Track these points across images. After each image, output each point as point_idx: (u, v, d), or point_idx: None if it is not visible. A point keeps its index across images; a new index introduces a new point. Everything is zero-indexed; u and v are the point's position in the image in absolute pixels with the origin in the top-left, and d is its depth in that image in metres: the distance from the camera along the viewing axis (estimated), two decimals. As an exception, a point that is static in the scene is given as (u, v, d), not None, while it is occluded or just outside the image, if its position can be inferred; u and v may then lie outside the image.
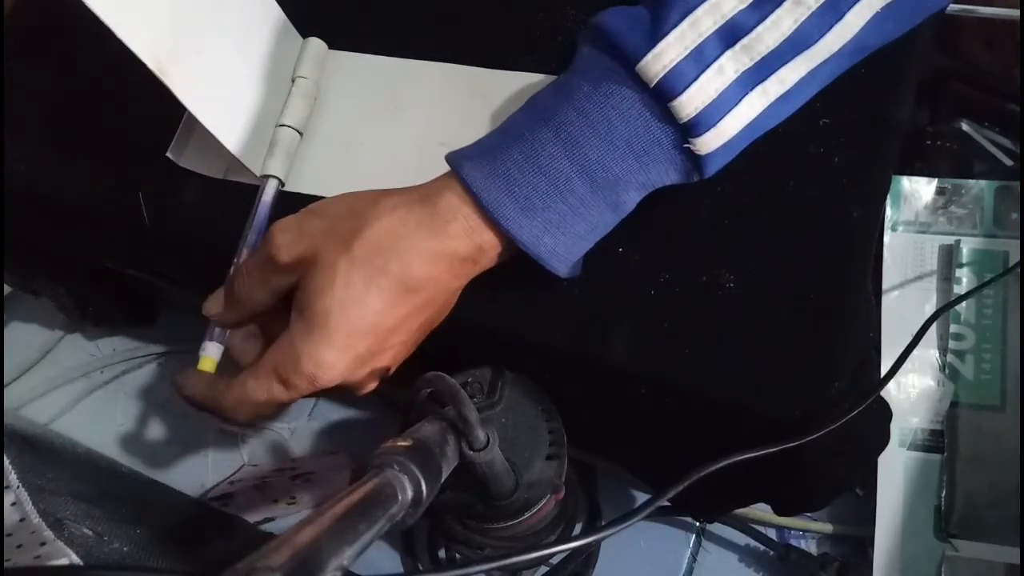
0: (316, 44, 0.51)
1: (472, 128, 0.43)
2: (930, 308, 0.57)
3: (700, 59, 0.35)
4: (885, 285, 0.57)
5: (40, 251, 0.59)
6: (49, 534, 0.42)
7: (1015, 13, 0.59)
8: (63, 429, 0.71)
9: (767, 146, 0.40)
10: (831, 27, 0.35)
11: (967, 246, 0.57)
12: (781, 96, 0.37)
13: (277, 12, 0.49)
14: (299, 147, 0.49)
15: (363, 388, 0.41)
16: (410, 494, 0.31)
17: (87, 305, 0.68)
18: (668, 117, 0.36)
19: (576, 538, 0.34)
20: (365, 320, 0.38)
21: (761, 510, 0.59)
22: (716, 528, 0.62)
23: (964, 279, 0.57)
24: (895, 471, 0.55)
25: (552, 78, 0.43)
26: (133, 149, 0.49)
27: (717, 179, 0.40)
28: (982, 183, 0.58)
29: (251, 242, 0.45)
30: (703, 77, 0.35)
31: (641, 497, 0.63)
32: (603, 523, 0.57)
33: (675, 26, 0.35)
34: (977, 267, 0.57)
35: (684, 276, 0.43)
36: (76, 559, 0.41)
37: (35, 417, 0.71)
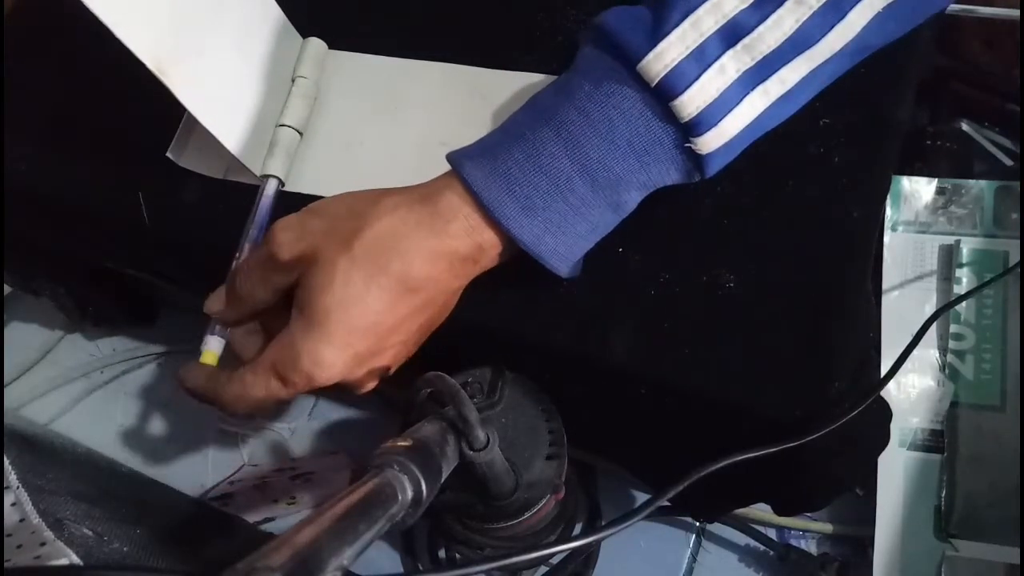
0: (316, 44, 0.51)
1: (472, 128, 0.43)
2: (930, 308, 0.57)
3: (701, 59, 0.35)
4: (885, 285, 0.57)
5: (40, 251, 0.58)
6: (49, 534, 0.42)
7: (1015, 13, 0.59)
8: (63, 429, 0.71)
9: (767, 146, 0.40)
10: (833, 27, 0.35)
11: (967, 246, 0.57)
12: (782, 96, 0.37)
13: (277, 12, 0.49)
14: (299, 147, 0.49)
15: (363, 387, 0.41)
16: (410, 494, 0.31)
17: (87, 305, 0.68)
18: (669, 117, 0.36)
19: (576, 538, 0.34)
20: (365, 319, 0.38)
21: (761, 510, 0.59)
22: (716, 528, 0.62)
23: (964, 279, 0.57)
24: (895, 471, 0.55)
25: (552, 78, 0.43)
26: (133, 149, 0.49)
27: (717, 179, 0.40)
28: (982, 183, 0.58)
29: (252, 241, 0.45)
30: (704, 77, 0.35)
31: (641, 497, 0.63)
32: (603, 523, 0.57)
33: (676, 25, 0.35)
34: (977, 267, 0.57)
35: (684, 276, 0.43)
36: (76, 559, 0.41)
37: (35, 417, 0.71)
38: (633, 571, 0.61)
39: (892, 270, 0.58)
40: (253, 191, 0.47)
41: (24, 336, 0.73)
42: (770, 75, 0.36)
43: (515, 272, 0.41)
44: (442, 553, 0.60)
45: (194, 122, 0.44)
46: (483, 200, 0.37)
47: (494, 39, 0.50)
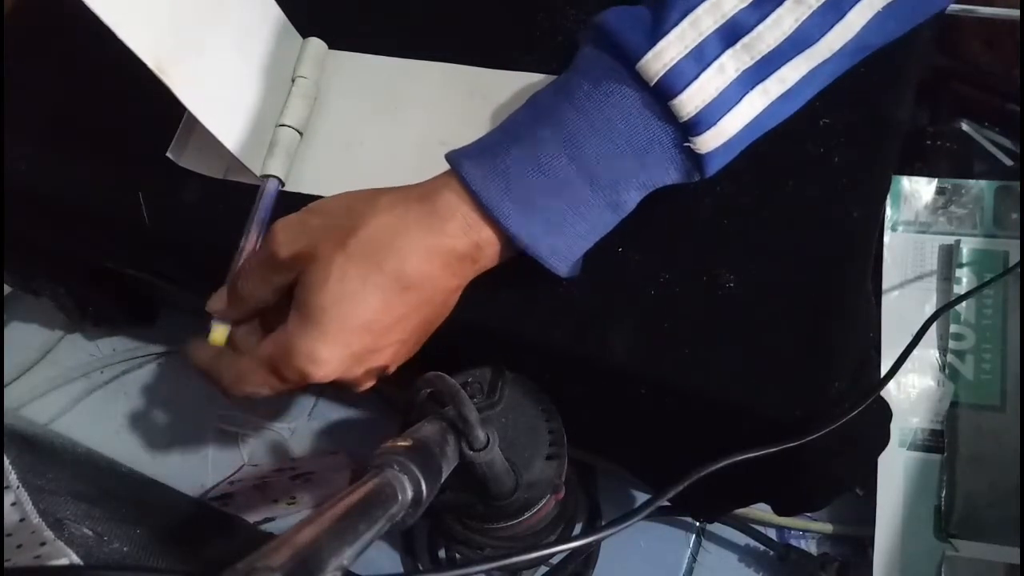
0: (316, 44, 0.51)
1: (472, 128, 0.43)
2: (930, 308, 0.57)
3: (700, 58, 0.35)
4: (885, 285, 0.57)
5: (40, 251, 0.59)
6: (49, 534, 0.42)
7: (1015, 13, 0.59)
8: (63, 429, 0.71)
9: (767, 146, 0.40)
10: (832, 26, 0.35)
11: (967, 246, 0.57)
12: (782, 95, 0.37)
13: (277, 12, 0.49)
14: (299, 147, 0.49)
15: (360, 386, 0.41)
16: (410, 494, 0.31)
17: (87, 305, 0.68)
18: (668, 116, 0.36)
19: (576, 538, 0.34)
20: (360, 317, 0.38)
21: (761, 510, 0.59)
22: (716, 528, 0.62)
23: (964, 279, 0.57)
24: (895, 471, 0.55)
25: (552, 78, 0.43)
26: (133, 149, 0.49)
27: (717, 179, 0.40)
28: (982, 183, 0.58)
29: (252, 241, 0.45)
30: (703, 76, 0.35)
31: (641, 497, 0.63)
32: (603, 523, 0.57)
33: (675, 25, 0.35)
34: (977, 267, 0.57)
35: (684, 276, 0.43)
36: (76, 559, 0.41)
37: (35, 417, 0.71)
38: (633, 571, 0.61)
39: (892, 270, 0.58)
40: (253, 191, 0.47)
41: (24, 336, 0.73)
42: (769, 74, 0.36)
43: (515, 272, 0.41)
44: (442, 553, 0.60)
45: (194, 122, 0.44)
46: (481, 198, 0.37)
47: (494, 39, 0.50)
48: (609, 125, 0.37)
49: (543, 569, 0.58)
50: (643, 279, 0.43)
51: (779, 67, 0.36)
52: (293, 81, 0.50)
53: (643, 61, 0.35)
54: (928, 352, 0.56)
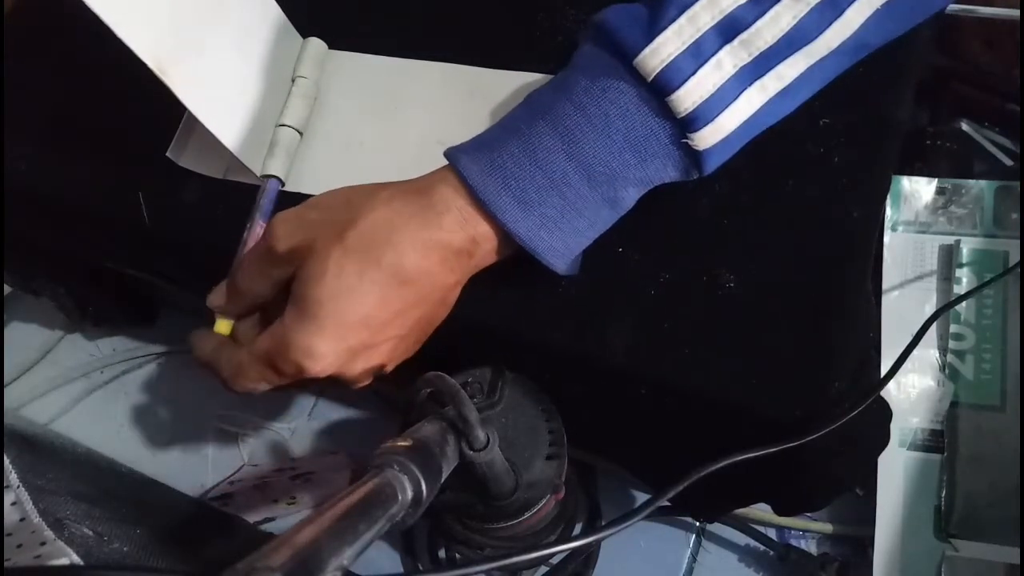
0: (316, 44, 0.51)
1: (472, 128, 0.43)
2: (930, 308, 0.57)
3: (698, 54, 0.35)
4: (885, 285, 0.57)
5: (40, 251, 0.59)
6: (49, 534, 0.42)
7: (1015, 13, 0.59)
8: (63, 429, 0.71)
9: (766, 145, 0.40)
10: (830, 24, 0.35)
11: (967, 246, 0.57)
12: (780, 92, 0.37)
13: (277, 12, 0.49)
14: (299, 147, 0.49)
15: (358, 382, 0.41)
16: (410, 494, 0.31)
17: (87, 305, 0.68)
18: (666, 112, 0.36)
19: (576, 538, 0.34)
20: (357, 312, 0.38)
21: (761, 510, 0.59)
22: (716, 528, 0.62)
23: (964, 279, 0.57)
24: (895, 471, 0.55)
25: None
26: (133, 149, 0.49)
27: (716, 178, 0.40)
28: (982, 183, 0.58)
29: (252, 241, 0.45)
30: (701, 71, 0.35)
31: (641, 497, 0.63)
32: (603, 523, 0.57)
33: (673, 21, 0.35)
34: (977, 267, 0.57)
35: (684, 276, 0.43)
36: (76, 559, 0.41)
37: (35, 417, 0.71)
38: (633, 571, 0.61)
39: (892, 270, 0.58)
40: (253, 191, 0.47)
41: (24, 336, 0.73)
42: (767, 71, 0.36)
43: (514, 271, 0.41)
44: (442, 553, 0.60)
45: (194, 122, 0.44)
46: (478, 193, 0.37)
47: (494, 39, 0.50)
48: (607, 121, 0.37)
49: (543, 569, 0.58)
50: (643, 279, 0.43)
51: (777, 64, 0.36)
52: (293, 81, 0.50)
53: (640, 57, 0.35)
54: (928, 352, 0.56)
